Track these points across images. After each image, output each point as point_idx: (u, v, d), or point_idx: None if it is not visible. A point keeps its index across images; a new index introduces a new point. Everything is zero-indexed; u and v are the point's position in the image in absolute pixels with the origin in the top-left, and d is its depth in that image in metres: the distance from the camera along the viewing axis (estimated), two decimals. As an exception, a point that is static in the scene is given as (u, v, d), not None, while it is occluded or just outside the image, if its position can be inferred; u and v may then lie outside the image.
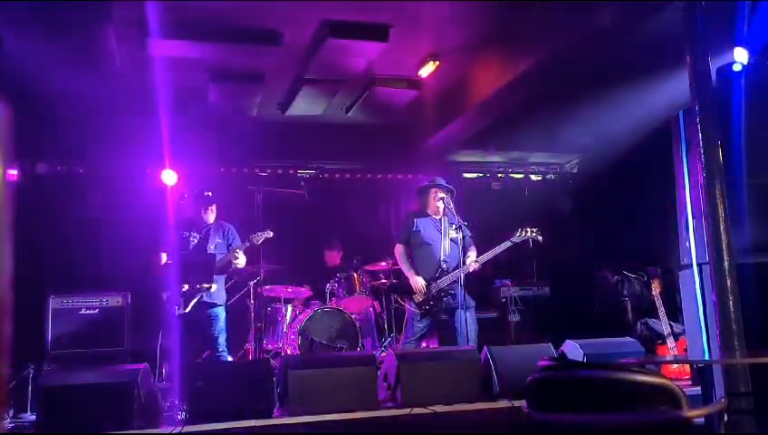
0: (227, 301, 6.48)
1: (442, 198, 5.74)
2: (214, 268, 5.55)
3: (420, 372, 4.67)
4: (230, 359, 5.81)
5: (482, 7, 5.26)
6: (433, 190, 5.82)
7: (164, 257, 5.74)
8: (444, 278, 5.56)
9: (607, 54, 5.60)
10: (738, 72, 3.55)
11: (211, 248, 5.77)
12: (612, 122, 6.83)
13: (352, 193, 8.46)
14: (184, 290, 5.50)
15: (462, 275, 5.46)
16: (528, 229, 5.67)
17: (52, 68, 5.46)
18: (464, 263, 5.57)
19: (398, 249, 5.86)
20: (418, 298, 5.60)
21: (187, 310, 5.45)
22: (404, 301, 5.81)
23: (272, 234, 5.78)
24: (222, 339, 5.69)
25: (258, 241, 5.71)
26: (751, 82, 3.45)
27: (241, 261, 5.70)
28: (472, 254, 5.70)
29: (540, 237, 5.68)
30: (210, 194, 5.88)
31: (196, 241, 5.80)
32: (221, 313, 5.75)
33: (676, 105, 4.06)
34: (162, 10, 4.92)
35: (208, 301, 5.62)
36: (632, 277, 7.41)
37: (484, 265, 5.65)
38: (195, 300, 5.50)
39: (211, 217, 5.88)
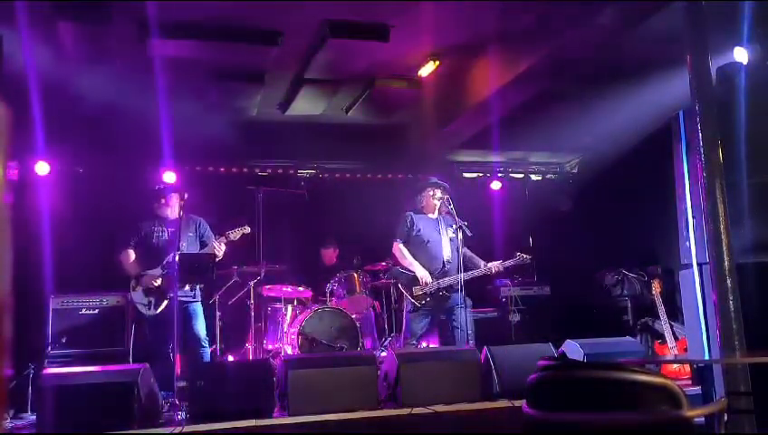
0: (228, 301, 6.49)
1: (440, 199, 5.76)
2: (214, 267, 5.47)
3: (420, 371, 4.68)
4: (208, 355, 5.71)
5: (482, 7, 5.25)
6: (430, 189, 5.85)
7: (131, 254, 5.64)
8: (447, 279, 5.60)
9: (607, 54, 5.60)
10: (739, 71, 3.56)
11: (183, 244, 5.55)
12: (612, 122, 6.83)
13: (352, 193, 8.45)
14: (154, 287, 5.41)
15: (462, 278, 5.50)
16: (524, 256, 5.75)
17: (52, 67, 5.47)
18: (463, 266, 5.60)
19: (398, 246, 5.87)
20: (418, 291, 5.62)
21: (159, 311, 5.34)
22: (404, 291, 5.81)
23: (249, 229, 5.67)
24: (203, 335, 5.58)
25: (235, 237, 5.58)
26: (751, 82, 3.45)
27: (220, 254, 5.57)
28: (478, 259, 5.76)
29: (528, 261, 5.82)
30: (161, 187, 5.67)
31: (165, 236, 5.62)
32: (198, 308, 5.63)
33: (676, 105, 4.07)
34: (162, 9, 4.91)
35: (183, 299, 5.44)
36: (632, 277, 7.42)
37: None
38: (167, 301, 5.36)
39: (176, 209, 5.61)
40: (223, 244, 5.54)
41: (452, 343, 5.62)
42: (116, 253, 5.69)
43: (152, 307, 5.39)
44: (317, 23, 5.40)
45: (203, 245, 5.72)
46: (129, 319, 5.92)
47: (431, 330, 5.91)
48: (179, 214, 5.47)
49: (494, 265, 5.68)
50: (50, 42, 5.18)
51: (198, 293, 5.69)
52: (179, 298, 5.36)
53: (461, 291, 5.51)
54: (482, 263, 5.73)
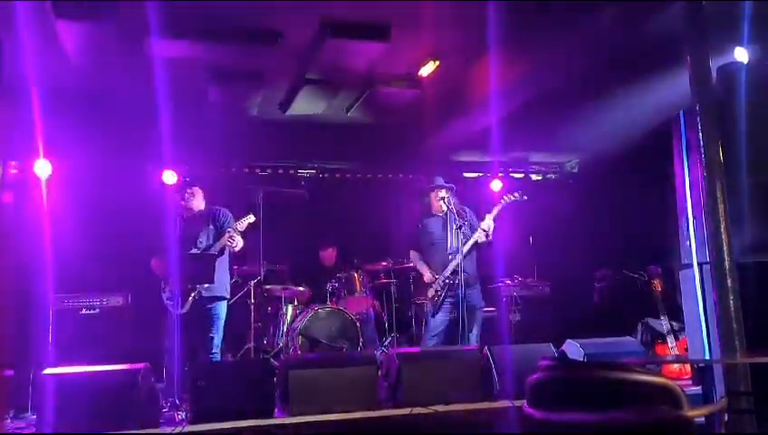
0: (228, 300, 6.48)
1: (443, 199, 5.81)
2: (214, 268, 5.47)
3: (421, 371, 4.68)
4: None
5: (482, 7, 5.25)
6: (434, 192, 5.92)
7: (159, 260, 5.55)
8: (448, 267, 5.63)
9: (607, 54, 5.60)
10: (739, 71, 3.56)
11: (202, 238, 5.57)
12: (612, 122, 6.83)
13: (352, 193, 8.46)
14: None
15: (462, 263, 5.51)
16: (510, 195, 5.77)
17: (52, 66, 5.47)
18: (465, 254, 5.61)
19: (413, 255, 6.08)
20: (431, 293, 5.70)
21: (186, 309, 5.28)
22: (419, 301, 5.90)
23: (254, 218, 5.60)
24: (218, 340, 5.51)
25: (242, 227, 5.52)
26: (751, 82, 3.45)
27: (238, 244, 5.52)
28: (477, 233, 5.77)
29: (525, 197, 5.82)
30: (188, 179, 5.72)
31: (185, 234, 5.58)
32: (222, 309, 5.55)
33: (676, 105, 4.07)
34: (162, 9, 4.91)
35: (208, 295, 5.42)
36: (633, 277, 7.40)
37: (483, 264, 5.74)
38: (191, 297, 5.31)
39: (195, 203, 5.67)
40: (236, 237, 5.47)
41: (455, 339, 5.62)
42: (153, 260, 5.63)
43: (179, 306, 5.29)
44: (317, 23, 5.40)
45: (222, 235, 5.62)
46: (129, 318, 5.93)
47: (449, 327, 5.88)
48: (202, 207, 5.63)
49: (485, 223, 5.66)
50: (50, 41, 5.18)
51: (223, 287, 5.58)
52: (205, 295, 5.38)
53: (465, 288, 5.52)
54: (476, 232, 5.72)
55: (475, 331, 5.61)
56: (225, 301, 5.61)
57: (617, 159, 7.44)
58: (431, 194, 5.94)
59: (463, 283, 5.53)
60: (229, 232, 5.49)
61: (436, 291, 5.70)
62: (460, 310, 5.50)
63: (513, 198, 5.79)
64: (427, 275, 5.80)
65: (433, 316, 5.70)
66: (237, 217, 5.63)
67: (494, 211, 5.73)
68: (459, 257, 5.55)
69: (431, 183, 6.03)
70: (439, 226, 5.88)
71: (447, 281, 5.65)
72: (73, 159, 7.20)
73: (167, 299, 5.49)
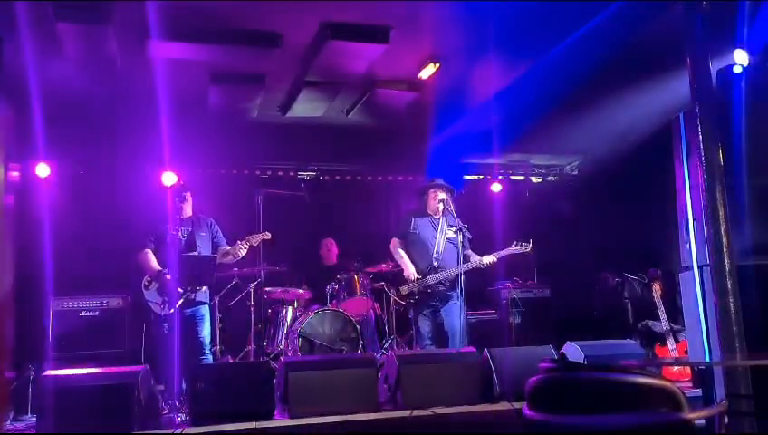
0: (228, 303, 6.49)
1: (442, 200, 5.78)
2: (215, 270, 5.47)
3: (421, 373, 4.68)
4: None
5: (482, 8, 5.25)
6: (432, 191, 5.88)
7: (150, 254, 5.52)
8: (434, 275, 5.59)
9: (607, 55, 5.60)
10: (738, 73, 3.56)
11: (200, 243, 5.58)
12: (613, 123, 6.83)
13: (353, 195, 8.46)
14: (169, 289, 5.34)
15: (462, 275, 5.49)
16: (520, 244, 5.77)
17: (53, 69, 5.47)
18: (462, 261, 5.59)
19: (394, 242, 5.96)
20: (405, 290, 5.65)
21: (172, 310, 5.23)
22: (390, 290, 5.85)
23: (269, 235, 5.69)
24: (208, 341, 5.53)
25: (256, 242, 5.62)
26: (751, 84, 3.45)
27: (242, 254, 5.61)
28: (473, 255, 5.73)
29: (531, 251, 5.82)
30: (183, 182, 5.79)
31: (185, 237, 5.59)
32: (206, 312, 5.57)
33: (676, 107, 4.07)
34: (162, 11, 4.92)
35: (198, 300, 5.42)
36: (633, 279, 7.41)
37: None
38: (181, 300, 5.26)
39: (187, 208, 5.67)
40: (244, 248, 5.56)
41: (444, 343, 5.62)
42: (134, 254, 5.60)
43: (167, 306, 5.27)
44: (317, 24, 5.40)
45: (215, 246, 5.70)
46: (128, 319, 5.92)
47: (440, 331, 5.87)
48: (191, 213, 5.60)
49: (487, 259, 5.65)
50: (50, 43, 5.18)
51: (209, 295, 5.64)
52: (194, 299, 5.36)
53: (461, 293, 5.50)
54: (476, 258, 5.70)
55: (460, 336, 5.55)
56: (208, 306, 5.63)
57: (617, 161, 7.44)
58: (430, 192, 5.88)
59: (446, 292, 5.56)
60: (242, 244, 5.54)
61: (412, 292, 5.65)
62: (445, 317, 5.54)
63: (521, 249, 5.75)
64: (409, 272, 5.68)
65: (416, 323, 5.69)
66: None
67: (501, 253, 5.72)
68: (451, 272, 5.54)
69: (432, 182, 5.99)
70: (429, 227, 5.81)
71: (428, 290, 5.62)
72: (74, 161, 7.21)
73: (150, 298, 5.43)
